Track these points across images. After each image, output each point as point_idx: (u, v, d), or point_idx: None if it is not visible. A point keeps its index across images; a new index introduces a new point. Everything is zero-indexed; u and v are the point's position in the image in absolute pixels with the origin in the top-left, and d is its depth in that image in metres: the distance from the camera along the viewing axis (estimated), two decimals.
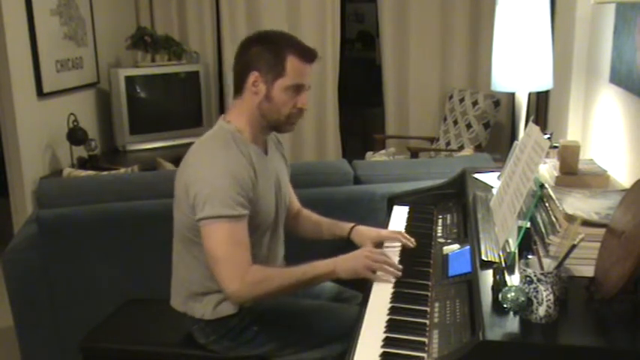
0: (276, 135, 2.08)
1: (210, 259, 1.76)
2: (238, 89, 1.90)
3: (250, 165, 1.84)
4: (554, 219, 1.61)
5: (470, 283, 1.55)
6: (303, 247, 2.16)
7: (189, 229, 1.85)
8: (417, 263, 1.88)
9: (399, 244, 2.02)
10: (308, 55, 1.87)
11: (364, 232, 2.10)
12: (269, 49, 1.84)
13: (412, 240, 2.01)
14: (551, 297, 1.26)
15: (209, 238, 1.75)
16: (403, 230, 2.15)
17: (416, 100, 4.93)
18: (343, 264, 1.82)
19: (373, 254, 1.86)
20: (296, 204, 2.21)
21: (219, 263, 1.75)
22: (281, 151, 2.11)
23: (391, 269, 1.82)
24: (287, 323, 1.94)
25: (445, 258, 1.84)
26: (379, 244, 2.06)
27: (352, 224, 2.13)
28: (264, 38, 1.89)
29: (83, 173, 3.11)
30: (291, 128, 1.94)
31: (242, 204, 1.77)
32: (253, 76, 1.84)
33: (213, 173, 1.78)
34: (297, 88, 1.86)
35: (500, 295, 1.29)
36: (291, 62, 1.83)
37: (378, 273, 1.81)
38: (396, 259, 1.94)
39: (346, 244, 2.10)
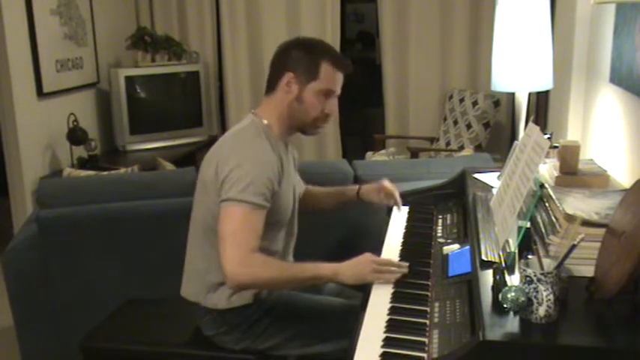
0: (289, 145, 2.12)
1: (220, 237, 1.79)
2: (272, 87, 1.97)
3: (279, 159, 1.90)
4: (554, 219, 1.61)
5: (470, 283, 1.55)
6: (307, 242, 2.16)
7: (213, 216, 1.87)
8: (417, 263, 1.88)
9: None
10: (342, 64, 1.96)
11: (370, 188, 2.25)
12: (306, 53, 1.93)
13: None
14: (551, 297, 1.26)
15: (225, 217, 1.79)
16: (403, 230, 2.16)
17: (416, 100, 4.93)
18: (349, 269, 1.82)
19: (377, 259, 1.87)
20: (302, 186, 2.25)
21: (224, 242, 1.77)
22: (293, 154, 2.15)
23: (397, 269, 1.82)
24: (299, 316, 1.97)
25: (445, 258, 1.84)
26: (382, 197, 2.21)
27: (357, 187, 2.26)
28: (304, 44, 1.98)
29: (83, 173, 3.10)
30: (315, 132, 2.03)
31: (265, 196, 1.82)
32: (288, 76, 1.92)
33: (247, 159, 1.83)
34: (328, 94, 1.95)
35: (500, 295, 1.29)
36: (325, 68, 1.92)
37: (386, 275, 1.80)
38: (396, 259, 1.94)
39: (349, 238, 2.11)
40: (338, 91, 1.98)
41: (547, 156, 2.04)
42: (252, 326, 1.93)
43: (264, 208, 1.82)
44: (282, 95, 1.94)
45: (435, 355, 1.39)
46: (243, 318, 1.93)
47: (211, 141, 4.28)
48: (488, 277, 1.47)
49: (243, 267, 1.76)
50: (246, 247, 1.77)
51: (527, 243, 1.58)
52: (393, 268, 1.82)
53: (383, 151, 4.31)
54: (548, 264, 1.36)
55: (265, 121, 1.96)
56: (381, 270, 1.81)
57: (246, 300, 1.92)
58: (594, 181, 1.95)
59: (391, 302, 1.69)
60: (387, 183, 2.24)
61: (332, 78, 1.94)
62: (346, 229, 2.29)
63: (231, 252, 1.76)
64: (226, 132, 2.01)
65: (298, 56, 1.93)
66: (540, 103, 3.82)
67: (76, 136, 4.09)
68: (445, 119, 4.71)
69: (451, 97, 4.71)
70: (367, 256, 1.86)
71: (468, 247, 1.78)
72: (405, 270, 1.81)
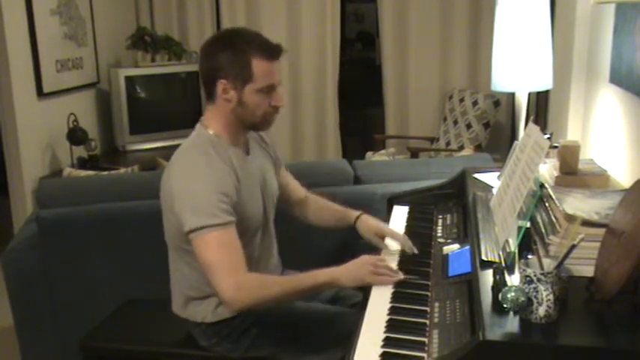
0: (261, 134, 2.07)
1: (205, 268, 1.75)
2: (210, 96, 1.87)
3: (232, 170, 1.83)
4: (554, 219, 1.61)
5: (470, 283, 1.55)
6: (299, 247, 2.16)
7: (179, 237, 1.84)
8: (417, 263, 1.88)
9: (398, 247, 2.01)
10: (273, 53, 1.83)
11: (369, 224, 2.09)
12: (233, 55, 1.80)
13: (414, 248, 1.97)
14: (551, 297, 1.26)
15: (200, 249, 1.74)
16: (403, 230, 2.16)
17: (416, 100, 4.93)
18: (347, 273, 1.79)
19: (374, 260, 1.84)
20: (300, 191, 2.22)
21: (213, 271, 1.72)
22: (266, 149, 2.09)
23: (394, 274, 1.80)
24: (287, 327, 1.93)
25: (445, 258, 1.85)
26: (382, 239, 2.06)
27: (358, 213, 2.14)
28: (226, 42, 1.84)
29: (83, 173, 3.11)
30: (267, 127, 1.93)
31: (227, 211, 1.75)
32: (222, 84, 1.82)
33: (195, 184, 1.76)
34: (269, 89, 1.84)
35: (500, 295, 1.29)
36: (257, 65, 1.80)
37: (385, 278, 1.78)
38: (396, 259, 1.95)
39: (345, 240, 2.11)
40: (278, 81, 1.85)
41: (547, 156, 2.05)
42: (240, 337, 1.90)
43: (231, 224, 1.75)
44: (222, 103, 1.84)
45: (435, 355, 1.39)
46: (231, 329, 1.90)
47: None
48: (488, 277, 1.47)
49: (241, 290, 1.72)
50: (237, 270, 1.72)
51: (527, 243, 1.57)
52: (388, 271, 1.81)
53: (383, 151, 4.30)
54: (548, 264, 1.36)
55: (211, 131, 1.87)
56: (379, 272, 1.79)
57: (232, 312, 1.88)
58: (594, 181, 1.95)
59: (391, 302, 1.69)
60: (387, 229, 2.08)
61: (268, 72, 1.81)
62: (345, 230, 2.29)
63: (223, 280, 1.71)
64: (180, 146, 1.91)
65: (225, 59, 1.80)
66: (540, 103, 3.82)
67: (76, 136, 4.09)
68: (445, 119, 4.71)
69: (451, 97, 4.71)
70: (364, 258, 1.83)
71: (468, 247, 1.78)
72: (402, 276, 1.79)
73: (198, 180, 1.77)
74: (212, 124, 1.89)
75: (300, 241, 2.23)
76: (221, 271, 1.72)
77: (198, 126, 1.93)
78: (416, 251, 1.95)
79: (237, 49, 1.80)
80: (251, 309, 1.82)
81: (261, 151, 2.06)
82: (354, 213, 2.14)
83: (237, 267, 1.73)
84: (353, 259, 1.83)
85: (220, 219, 1.73)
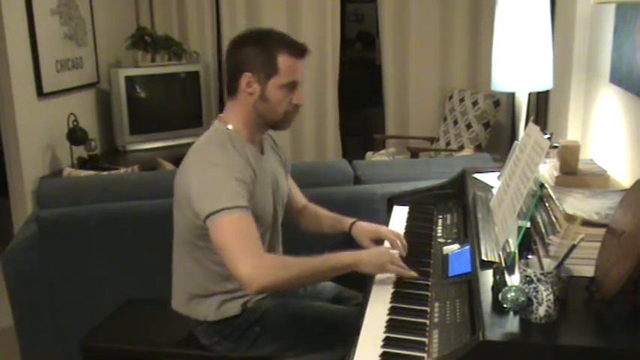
0: (272, 137, 2.10)
1: (221, 251, 1.73)
2: (232, 90, 1.90)
3: (248, 165, 1.85)
4: (554, 219, 1.61)
5: (470, 283, 1.55)
6: (303, 247, 2.15)
7: (190, 231, 1.85)
8: (417, 263, 1.88)
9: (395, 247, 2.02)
10: (298, 50, 1.87)
11: (364, 227, 2.11)
12: (259, 49, 1.84)
13: (405, 246, 1.99)
14: (551, 297, 1.26)
15: (217, 232, 1.72)
16: (403, 230, 2.16)
17: (416, 100, 4.93)
18: (369, 258, 1.82)
19: (392, 252, 1.89)
20: (301, 200, 2.23)
21: (230, 251, 1.70)
22: (277, 151, 2.11)
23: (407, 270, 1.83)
24: (289, 325, 1.93)
25: (445, 258, 1.85)
26: (378, 241, 2.06)
27: (353, 220, 2.14)
28: (253, 37, 1.88)
29: (83, 173, 3.11)
30: (287, 125, 1.95)
31: (244, 197, 1.76)
32: (246, 77, 1.84)
33: (213, 173, 1.78)
34: (292, 85, 1.87)
35: (500, 295, 1.29)
36: (283, 60, 1.84)
37: (403, 270, 1.81)
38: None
39: (348, 241, 2.11)
40: (301, 79, 1.89)
41: (547, 156, 2.05)
42: (242, 336, 1.90)
43: (248, 209, 1.75)
44: (245, 97, 1.86)
45: (435, 355, 1.39)
46: (233, 328, 1.90)
47: None
48: (488, 277, 1.47)
49: (262, 269, 1.69)
50: (254, 248, 1.72)
51: (527, 243, 1.58)
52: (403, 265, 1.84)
53: (383, 151, 4.30)
54: (548, 264, 1.36)
55: (230, 126, 1.89)
56: (397, 263, 1.82)
57: (234, 311, 1.88)
58: (594, 181, 1.96)
59: (391, 302, 1.69)
60: (382, 229, 2.08)
61: (292, 68, 1.85)
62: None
63: (242, 260, 1.68)
64: (195, 142, 1.92)
65: (252, 53, 1.84)
66: (540, 103, 3.82)
67: (76, 136, 4.09)
68: (445, 119, 4.71)
69: (451, 97, 4.71)
70: (386, 248, 1.89)
71: (468, 247, 1.78)
72: (415, 274, 1.81)
73: (216, 168, 1.78)
74: (231, 120, 1.90)
75: (302, 242, 2.23)
76: (239, 250, 1.70)
77: (216, 122, 1.94)
78: (404, 253, 1.96)
79: (264, 44, 1.85)
80: (272, 289, 1.78)
81: (273, 153, 2.07)
82: (349, 220, 2.15)
83: (256, 247, 1.72)
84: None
85: (238, 202, 1.73)
